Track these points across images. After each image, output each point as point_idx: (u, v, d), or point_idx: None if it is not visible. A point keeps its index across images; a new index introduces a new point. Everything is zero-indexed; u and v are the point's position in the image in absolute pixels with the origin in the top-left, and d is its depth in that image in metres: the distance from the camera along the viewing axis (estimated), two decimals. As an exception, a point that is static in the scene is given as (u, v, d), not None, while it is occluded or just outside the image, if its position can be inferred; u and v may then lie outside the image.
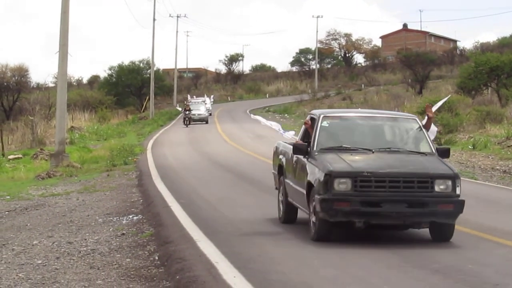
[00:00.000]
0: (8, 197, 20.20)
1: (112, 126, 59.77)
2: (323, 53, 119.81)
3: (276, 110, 73.95)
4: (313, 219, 11.45)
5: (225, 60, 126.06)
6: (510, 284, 9.11)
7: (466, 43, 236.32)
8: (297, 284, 8.93)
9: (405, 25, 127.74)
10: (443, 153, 12.06)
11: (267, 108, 72.64)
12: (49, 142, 42.18)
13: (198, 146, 36.91)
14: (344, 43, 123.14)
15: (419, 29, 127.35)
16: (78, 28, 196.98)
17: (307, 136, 12.90)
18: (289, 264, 9.99)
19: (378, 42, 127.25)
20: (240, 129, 49.53)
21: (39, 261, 11.15)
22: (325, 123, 12.39)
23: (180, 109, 66.35)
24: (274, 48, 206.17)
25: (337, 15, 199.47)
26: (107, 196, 19.16)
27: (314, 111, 13.38)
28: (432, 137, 12.72)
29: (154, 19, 77.76)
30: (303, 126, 13.31)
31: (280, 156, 13.99)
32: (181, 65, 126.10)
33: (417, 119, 12.74)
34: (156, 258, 11.09)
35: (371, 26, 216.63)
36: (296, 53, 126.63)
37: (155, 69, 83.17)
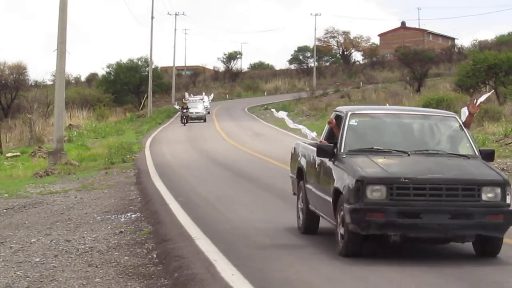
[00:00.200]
0: (6, 195, 20.18)
1: (110, 124, 59.65)
2: (321, 51, 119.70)
3: (274, 108, 73.80)
4: (341, 231, 10.15)
5: (223, 58, 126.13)
6: None
7: (464, 41, 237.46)
8: (297, 284, 8.91)
9: (403, 23, 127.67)
10: (488, 156, 10.76)
11: (265, 106, 72.50)
12: (47, 140, 42.15)
13: (196, 144, 36.86)
14: (342, 41, 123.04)
15: (417, 27, 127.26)
16: (77, 26, 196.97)
17: (331, 136, 11.66)
18: (289, 262, 9.96)
19: (376, 40, 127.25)
20: (238, 127, 49.50)
21: (37, 259, 11.15)
22: (353, 122, 11.09)
23: (177, 107, 66.17)
24: (273, 46, 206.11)
25: (335, 13, 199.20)
26: (105, 194, 19.13)
27: (340, 108, 12.09)
28: None
29: (152, 17, 77.60)
30: (327, 125, 11.97)
31: (300, 158, 12.51)
32: (180, 63, 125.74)
33: (456, 116, 11.48)
34: (154, 256, 11.08)
35: (369, 24, 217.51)
36: (295, 51, 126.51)
37: (153, 67, 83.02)
